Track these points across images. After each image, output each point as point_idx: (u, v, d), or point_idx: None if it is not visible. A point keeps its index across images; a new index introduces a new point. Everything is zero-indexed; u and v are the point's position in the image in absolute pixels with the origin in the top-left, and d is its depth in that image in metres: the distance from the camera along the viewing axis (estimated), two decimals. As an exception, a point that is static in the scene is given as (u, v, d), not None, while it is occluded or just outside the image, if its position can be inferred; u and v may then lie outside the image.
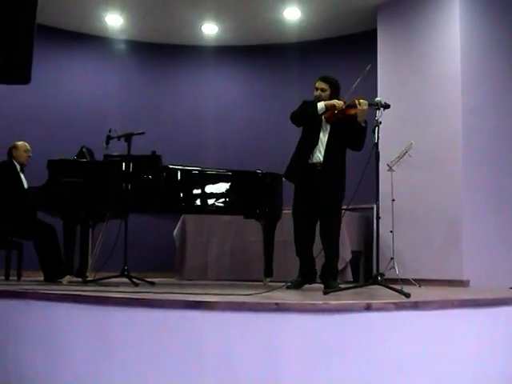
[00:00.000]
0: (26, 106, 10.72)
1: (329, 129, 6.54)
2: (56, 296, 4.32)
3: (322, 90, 6.60)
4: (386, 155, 6.57)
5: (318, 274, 6.43)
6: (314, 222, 6.57)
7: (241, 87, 12.01)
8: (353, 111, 6.28)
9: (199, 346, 3.84)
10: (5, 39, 3.95)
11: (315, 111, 6.44)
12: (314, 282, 6.46)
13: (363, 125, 6.31)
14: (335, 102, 6.39)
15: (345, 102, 6.40)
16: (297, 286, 6.42)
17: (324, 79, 6.69)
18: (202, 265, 10.25)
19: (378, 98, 5.64)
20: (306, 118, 6.57)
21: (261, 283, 7.07)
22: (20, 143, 7.82)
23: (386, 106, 5.73)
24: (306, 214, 6.55)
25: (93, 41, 11.69)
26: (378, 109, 5.63)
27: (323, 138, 6.52)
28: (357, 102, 6.21)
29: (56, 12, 10.42)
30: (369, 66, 6.30)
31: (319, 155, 6.47)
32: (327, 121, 6.50)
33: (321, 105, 6.45)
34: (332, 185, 6.43)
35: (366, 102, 6.18)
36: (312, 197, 6.47)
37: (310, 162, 6.50)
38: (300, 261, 6.76)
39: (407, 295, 4.45)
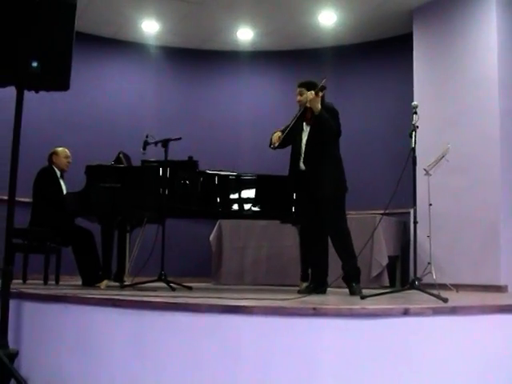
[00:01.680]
0: (64, 113, 10.82)
1: (308, 130, 6.68)
2: (95, 300, 4.36)
3: (300, 93, 6.77)
4: (422, 159, 6.54)
5: (341, 276, 6.36)
6: (320, 228, 6.60)
7: (276, 92, 12.01)
8: (309, 105, 6.52)
9: (236, 350, 3.85)
10: (45, 47, 4.00)
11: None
12: (324, 293, 6.37)
13: (316, 113, 6.41)
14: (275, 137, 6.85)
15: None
16: (307, 292, 6.15)
17: (299, 84, 6.88)
18: (239, 270, 10.27)
19: (414, 102, 5.62)
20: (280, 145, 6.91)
21: (297, 288, 7.07)
22: (60, 149, 7.90)
23: (321, 88, 6.25)
24: (310, 218, 6.59)
25: (129, 47, 11.78)
26: (320, 92, 6.23)
27: (303, 144, 6.68)
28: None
29: (93, 19, 10.55)
30: (324, 80, 6.37)
31: (301, 164, 6.65)
32: (307, 123, 6.69)
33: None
34: (324, 183, 6.47)
35: (311, 92, 6.42)
36: (312, 201, 6.53)
37: (300, 169, 6.63)
38: (311, 267, 6.80)
39: (445, 300, 4.43)
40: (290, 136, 6.73)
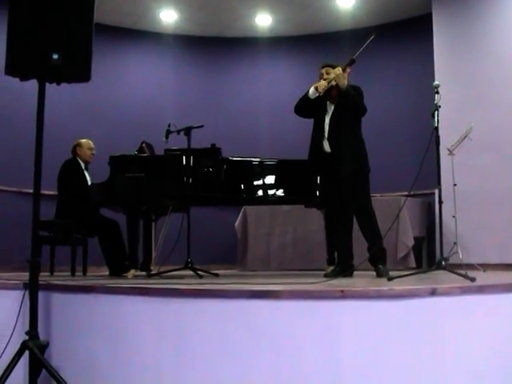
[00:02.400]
0: (86, 105, 10.88)
1: (332, 110, 6.61)
2: (123, 289, 4.39)
3: (327, 72, 6.67)
4: (445, 139, 6.50)
5: (367, 259, 6.32)
6: (346, 210, 6.57)
7: (296, 77, 11.96)
8: (334, 82, 6.45)
9: (265, 335, 3.86)
10: (65, 38, 4.02)
11: (307, 95, 6.66)
12: (351, 276, 6.35)
13: (343, 89, 6.37)
14: (320, 83, 6.58)
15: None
16: (333, 275, 6.09)
17: (325, 65, 6.79)
18: (264, 255, 10.28)
19: (436, 82, 5.59)
20: (304, 106, 6.77)
21: (323, 272, 7.07)
22: (84, 141, 7.92)
23: (350, 61, 6.32)
24: (334, 201, 6.57)
25: (148, 37, 11.82)
26: (350, 66, 6.35)
27: (328, 122, 6.60)
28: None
29: (111, 10, 10.57)
30: (373, 36, 6.36)
31: (327, 142, 6.57)
32: (331, 102, 6.61)
33: (312, 89, 6.60)
34: (349, 163, 6.42)
35: (338, 68, 6.45)
36: (336, 182, 6.51)
37: (323, 151, 6.58)
38: (337, 250, 6.79)
39: (472, 279, 4.41)
40: (314, 108, 6.69)
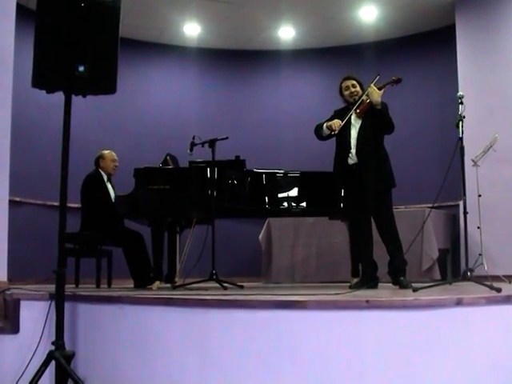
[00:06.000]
0: (111, 117, 11.00)
1: (359, 124, 6.55)
2: (148, 300, 4.40)
3: (353, 85, 6.66)
4: (469, 150, 6.48)
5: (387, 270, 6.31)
6: (368, 223, 6.56)
7: (320, 89, 12.00)
8: (368, 99, 6.41)
9: (291, 345, 3.87)
10: (91, 51, 4.06)
11: (323, 133, 6.69)
12: (375, 287, 6.35)
13: (378, 107, 6.31)
14: (335, 122, 6.53)
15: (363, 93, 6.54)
16: (357, 287, 6.02)
17: (349, 77, 6.77)
18: (289, 267, 10.27)
19: (460, 93, 5.59)
20: (319, 137, 6.80)
21: (348, 284, 7.06)
22: (107, 152, 7.93)
23: (395, 81, 6.26)
24: (359, 213, 6.54)
25: (172, 50, 11.91)
26: (392, 85, 6.26)
27: (354, 136, 6.53)
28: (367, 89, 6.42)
29: (135, 24, 10.64)
30: (377, 77, 6.35)
31: (354, 156, 6.49)
32: (358, 117, 6.54)
33: (325, 128, 6.62)
34: (377, 177, 6.39)
35: (372, 85, 6.32)
36: (360, 195, 6.46)
37: (348, 163, 6.52)
38: (361, 262, 6.77)
39: (498, 290, 4.38)
40: (332, 137, 6.70)
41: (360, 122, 6.54)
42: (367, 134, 6.46)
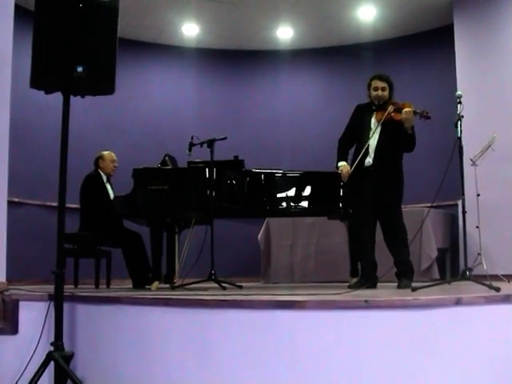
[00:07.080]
0: (109, 118, 11.02)
1: (379, 131, 6.45)
2: (147, 300, 4.39)
3: (383, 89, 6.52)
4: (468, 150, 6.47)
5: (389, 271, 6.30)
6: (374, 224, 6.56)
7: (318, 89, 12.02)
8: (399, 117, 6.26)
9: (291, 345, 3.87)
10: (89, 51, 4.05)
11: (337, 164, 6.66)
12: (374, 287, 6.36)
13: (409, 132, 6.27)
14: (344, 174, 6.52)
15: (394, 104, 6.40)
16: (357, 287, 6.07)
17: (382, 77, 6.58)
18: (288, 267, 10.26)
19: (458, 92, 5.58)
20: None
21: (347, 283, 7.06)
22: (106, 153, 7.94)
23: (426, 117, 6.07)
24: (366, 215, 6.52)
25: (170, 51, 11.93)
26: (420, 118, 6.06)
27: (373, 142, 6.44)
28: (403, 107, 6.25)
29: (134, 24, 10.66)
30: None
31: (370, 159, 6.44)
32: (377, 121, 6.45)
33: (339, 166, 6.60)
34: (389, 185, 6.41)
35: (410, 109, 6.18)
36: (370, 198, 6.44)
37: (364, 166, 6.46)
38: (360, 262, 6.77)
39: (497, 289, 4.38)
40: (354, 136, 6.66)
41: (379, 130, 6.46)
42: (388, 142, 6.41)
